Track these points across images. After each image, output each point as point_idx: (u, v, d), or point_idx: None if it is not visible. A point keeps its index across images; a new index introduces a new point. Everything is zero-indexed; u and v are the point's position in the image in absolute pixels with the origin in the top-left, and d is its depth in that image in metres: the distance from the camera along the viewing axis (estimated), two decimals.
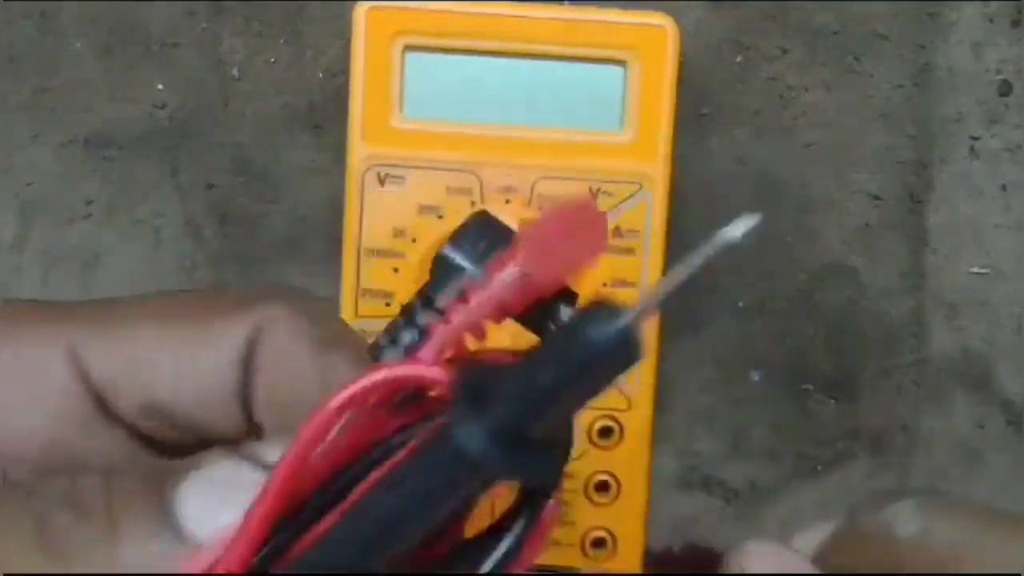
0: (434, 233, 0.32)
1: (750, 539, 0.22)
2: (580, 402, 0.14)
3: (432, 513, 0.14)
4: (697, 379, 0.37)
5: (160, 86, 0.35)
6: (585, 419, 0.33)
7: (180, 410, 0.19)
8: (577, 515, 0.34)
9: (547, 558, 0.34)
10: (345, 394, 0.15)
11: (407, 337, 0.19)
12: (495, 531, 0.15)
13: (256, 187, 0.36)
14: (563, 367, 0.13)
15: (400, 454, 0.15)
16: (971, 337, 0.37)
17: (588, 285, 0.34)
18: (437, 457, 0.14)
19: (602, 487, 0.34)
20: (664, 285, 0.14)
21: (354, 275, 0.33)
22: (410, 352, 0.17)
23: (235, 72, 0.35)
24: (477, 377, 0.14)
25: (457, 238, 0.21)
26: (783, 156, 0.36)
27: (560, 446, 0.14)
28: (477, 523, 0.16)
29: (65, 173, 0.36)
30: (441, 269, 0.19)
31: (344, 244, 0.33)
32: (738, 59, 0.36)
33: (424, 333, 0.16)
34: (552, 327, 0.16)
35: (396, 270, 0.33)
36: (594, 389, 0.14)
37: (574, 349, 0.13)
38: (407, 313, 0.19)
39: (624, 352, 0.13)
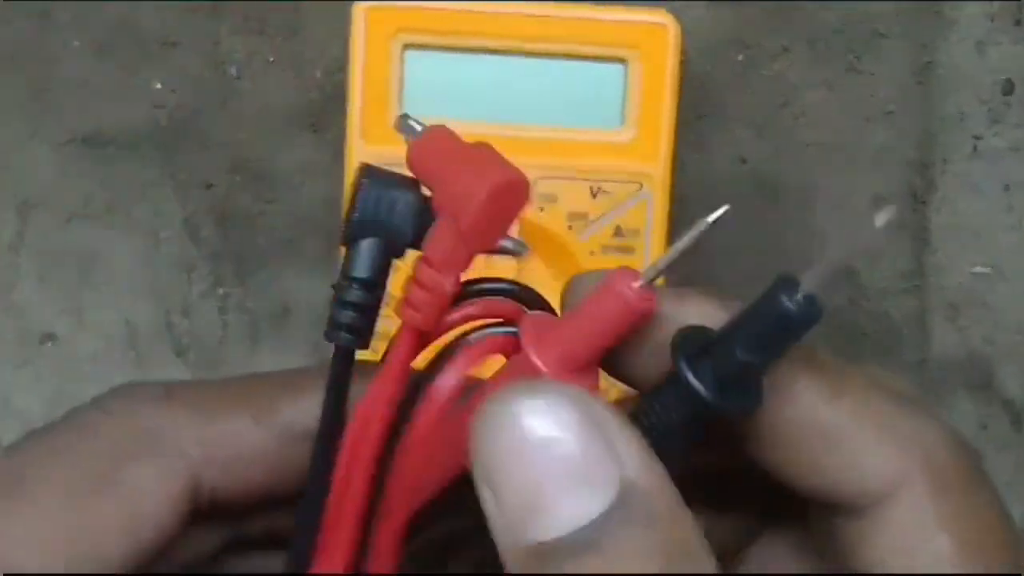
0: None
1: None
2: (776, 356, 0.17)
3: (674, 447, 0.17)
4: None
5: (159, 85, 0.35)
6: None
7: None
8: None
9: None
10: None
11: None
12: None
13: (255, 186, 0.36)
14: (765, 331, 0.17)
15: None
16: (973, 337, 0.37)
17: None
18: (674, 399, 0.18)
19: None
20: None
21: None
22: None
23: (234, 71, 0.35)
24: (694, 338, 0.18)
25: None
26: (784, 155, 0.36)
27: (757, 387, 0.18)
28: None
29: (63, 172, 0.36)
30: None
31: None
32: (739, 58, 0.36)
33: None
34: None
35: (395, 269, 0.32)
36: (785, 346, 0.17)
37: (771, 318, 0.17)
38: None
39: (810, 315, 0.17)
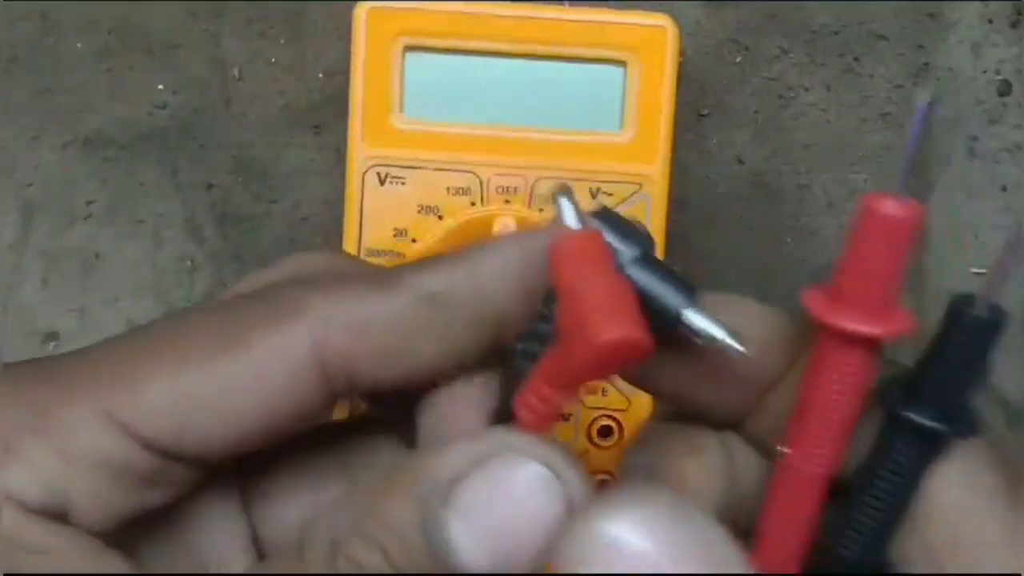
0: (434, 233, 0.32)
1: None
2: (984, 374, 0.19)
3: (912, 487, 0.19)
4: None
5: (161, 86, 0.35)
6: (585, 419, 0.33)
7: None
8: None
9: None
10: None
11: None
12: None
13: (256, 187, 0.36)
14: (966, 355, 0.18)
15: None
16: None
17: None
18: (903, 443, 0.19)
19: (602, 485, 0.34)
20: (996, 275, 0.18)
21: None
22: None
23: (236, 72, 0.35)
24: (891, 384, 0.19)
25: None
26: (782, 156, 0.36)
27: (970, 411, 0.19)
28: None
29: (66, 173, 0.36)
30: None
31: (345, 244, 0.33)
32: (738, 59, 0.36)
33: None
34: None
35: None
36: (987, 358, 0.18)
37: (969, 336, 0.18)
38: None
39: (1001, 318, 0.18)
